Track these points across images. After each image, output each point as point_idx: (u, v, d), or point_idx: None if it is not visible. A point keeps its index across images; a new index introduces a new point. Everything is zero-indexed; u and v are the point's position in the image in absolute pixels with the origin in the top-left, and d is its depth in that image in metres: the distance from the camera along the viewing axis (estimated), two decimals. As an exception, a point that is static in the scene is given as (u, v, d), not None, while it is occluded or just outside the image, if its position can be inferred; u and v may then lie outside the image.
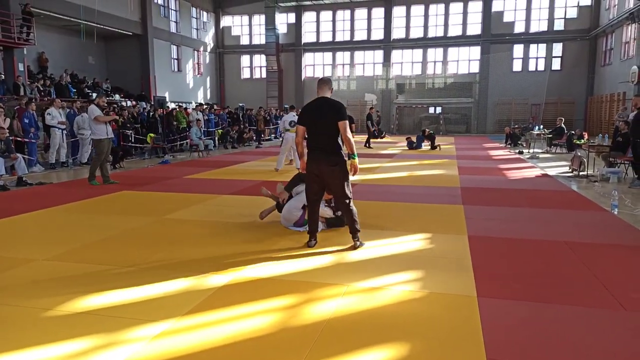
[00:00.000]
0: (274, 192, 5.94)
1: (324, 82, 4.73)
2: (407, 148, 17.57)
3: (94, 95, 20.27)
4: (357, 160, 4.71)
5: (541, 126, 18.22)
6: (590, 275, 3.96)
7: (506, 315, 3.21)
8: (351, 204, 4.67)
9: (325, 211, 5.21)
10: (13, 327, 3.03)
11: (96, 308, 3.30)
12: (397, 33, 30.09)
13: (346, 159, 4.64)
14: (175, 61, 28.26)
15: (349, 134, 4.57)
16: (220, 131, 18.57)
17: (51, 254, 4.54)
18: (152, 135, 14.73)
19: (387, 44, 30.02)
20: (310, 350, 2.71)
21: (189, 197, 7.64)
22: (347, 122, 4.58)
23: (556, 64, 27.93)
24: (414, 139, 17.97)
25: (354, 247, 4.67)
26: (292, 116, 10.89)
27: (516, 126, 21.15)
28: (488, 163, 12.89)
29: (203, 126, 16.38)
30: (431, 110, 30.20)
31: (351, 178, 4.77)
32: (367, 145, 17.91)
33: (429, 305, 3.37)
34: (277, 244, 4.88)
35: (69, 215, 6.36)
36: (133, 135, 14.02)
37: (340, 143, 4.61)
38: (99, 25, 20.91)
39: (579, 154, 10.74)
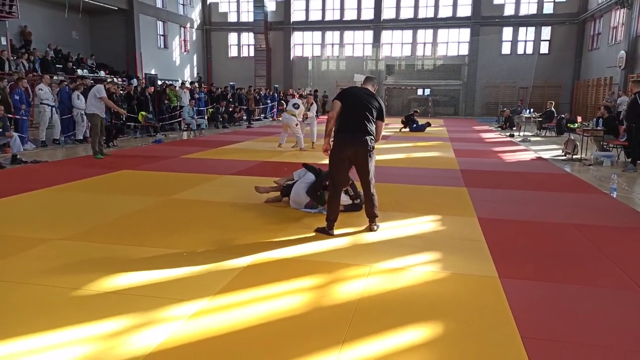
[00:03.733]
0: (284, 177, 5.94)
1: (370, 79, 4.89)
2: (402, 129, 17.57)
3: (79, 71, 19.86)
4: None
5: (531, 109, 18.42)
6: (602, 256, 4.09)
7: (529, 296, 3.31)
8: (374, 188, 4.69)
9: (343, 199, 5.19)
10: (46, 306, 3.02)
11: (126, 287, 3.30)
12: (387, 13, 29.87)
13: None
14: (162, 37, 27.66)
15: (381, 134, 4.74)
16: (211, 110, 18.35)
17: (66, 233, 4.49)
18: (143, 113, 14.46)
19: (377, 24, 29.80)
20: (348, 329, 2.77)
21: (192, 177, 7.59)
22: (384, 123, 4.72)
23: (544, 48, 28.13)
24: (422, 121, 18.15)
25: (370, 230, 4.71)
26: (297, 99, 11.55)
27: (505, 109, 21.35)
28: (482, 146, 13.04)
29: (195, 105, 16.18)
30: (420, 92, 30.24)
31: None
32: None
33: (453, 286, 3.45)
34: (291, 225, 4.90)
35: (73, 195, 6.28)
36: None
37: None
38: (83, -1, 20.31)
39: (572, 137, 10.94)
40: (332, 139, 4.65)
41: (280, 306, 3.07)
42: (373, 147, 4.57)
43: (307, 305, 3.10)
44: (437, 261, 3.93)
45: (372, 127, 4.54)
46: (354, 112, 4.51)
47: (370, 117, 4.53)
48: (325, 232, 4.60)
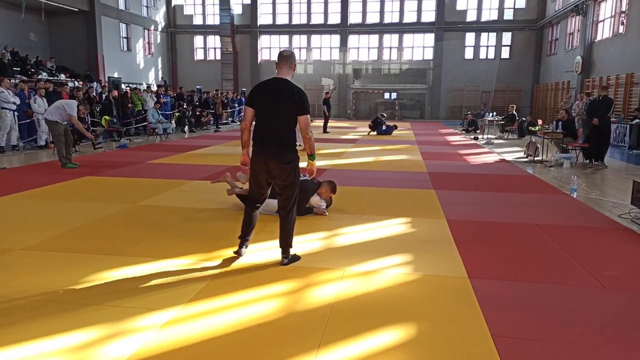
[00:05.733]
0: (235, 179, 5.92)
1: (285, 58, 3.77)
2: (369, 133, 17.74)
3: (40, 76, 19.16)
4: (315, 162, 3.93)
5: (494, 113, 18.95)
6: (566, 255, 4.24)
7: (498, 295, 3.39)
8: (294, 211, 3.92)
9: (316, 202, 5.18)
10: (10, 318, 2.89)
11: (93, 298, 3.20)
12: (354, 18, 30.19)
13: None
14: (125, 40, 27.04)
15: (310, 132, 3.76)
16: (177, 114, 18.06)
17: (28, 243, 4.33)
18: (106, 117, 14.11)
19: (344, 29, 30.06)
20: (324, 334, 2.77)
21: (159, 182, 7.44)
22: (309, 117, 3.76)
23: (505, 53, 29.01)
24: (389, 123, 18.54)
25: (281, 263, 3.91)
26: None
27: (469, 112, 21.88)
28: (448, 149, 13.31)
29: (161, 108, 15.88)
30: (387, 95, 30.65)
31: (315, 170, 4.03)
32: (325, 130, 18.07)
33: (425, 287, 3.50)
34: (262, 231, 4.85)
35: (34, 202, 6.05)
36: (87, 117, 13.35)
37: (295, 136, 3.82)
38: (42, 0, 19.63)
39: (534, 140, 11.30)
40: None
41: (254, 312, 3.04)
42: (291, 160, 3.73)
43: (281, 310, 3.09)
44: (408, 263, 3.98)
45: (286, 133, 3.72)
46: (265, 116, 3.72)
47: (283, 119, 3.69)
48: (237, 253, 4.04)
